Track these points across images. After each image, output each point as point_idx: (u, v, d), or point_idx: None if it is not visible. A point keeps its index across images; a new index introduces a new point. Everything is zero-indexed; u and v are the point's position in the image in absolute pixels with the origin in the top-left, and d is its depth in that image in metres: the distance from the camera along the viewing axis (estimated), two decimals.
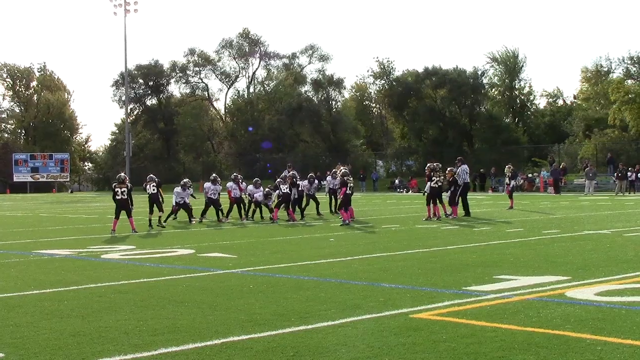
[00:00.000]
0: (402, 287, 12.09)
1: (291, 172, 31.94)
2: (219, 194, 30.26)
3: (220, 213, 29.58)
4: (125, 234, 24.29)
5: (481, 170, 63.61)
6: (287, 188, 29.56)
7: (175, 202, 29.61)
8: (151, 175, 29.23)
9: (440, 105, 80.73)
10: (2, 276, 14.49)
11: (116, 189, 24.91)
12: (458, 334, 8.61)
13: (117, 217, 24.72)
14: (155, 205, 27.36)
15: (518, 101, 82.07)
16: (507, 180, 35.86)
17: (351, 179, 28.14)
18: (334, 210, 31.69)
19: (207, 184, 30.38)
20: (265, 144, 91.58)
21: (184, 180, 30.47)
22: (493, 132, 76.08)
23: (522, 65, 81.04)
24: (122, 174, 26.29)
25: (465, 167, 30.33)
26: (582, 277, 12.76)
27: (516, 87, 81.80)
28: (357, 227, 25.42)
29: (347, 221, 26.52)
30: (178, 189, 29.87)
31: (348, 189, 27.25)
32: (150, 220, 27.14)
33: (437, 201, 28.47)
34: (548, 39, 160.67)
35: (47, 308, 10.89)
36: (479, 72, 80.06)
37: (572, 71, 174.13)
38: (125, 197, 24.82)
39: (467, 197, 30.44)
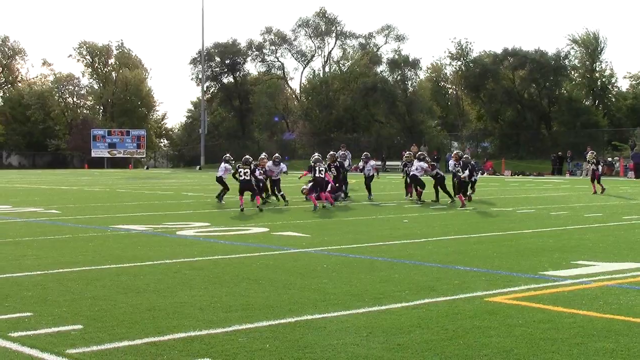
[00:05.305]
0: (477, 270, 11.98)
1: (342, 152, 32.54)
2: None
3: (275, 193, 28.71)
4: (200, 211, 24.51)
5: (559, 153, 62.80)
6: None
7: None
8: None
9: (519, 87, 79.57)
10: (80, 250, 14.74)
11: (239, 170, 25.32)
12: (534, 319, 8.50)
13: (241, 195, 25.04)
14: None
15: (599, 83, 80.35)
16: (592, 166, 34.75)
17: (321, 162, 26.42)
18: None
19: (269, 164, 29.33)
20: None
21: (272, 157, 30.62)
22: (572, 114, 74.58)
23: (603, 47, 79.33)
24: (248, 156, 26.77)
25: None
26: None
27: (597, 69, 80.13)
28: (431, 208, 25.26)
29: (316, 206, 24.77)
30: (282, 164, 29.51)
31: (316, 172, 25.84)
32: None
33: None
34: (633, 20, 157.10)
35: (124, 282, 11.04)
36: (562, 54, 78.50)
37: None
38: (248, 177, 25.17)
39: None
